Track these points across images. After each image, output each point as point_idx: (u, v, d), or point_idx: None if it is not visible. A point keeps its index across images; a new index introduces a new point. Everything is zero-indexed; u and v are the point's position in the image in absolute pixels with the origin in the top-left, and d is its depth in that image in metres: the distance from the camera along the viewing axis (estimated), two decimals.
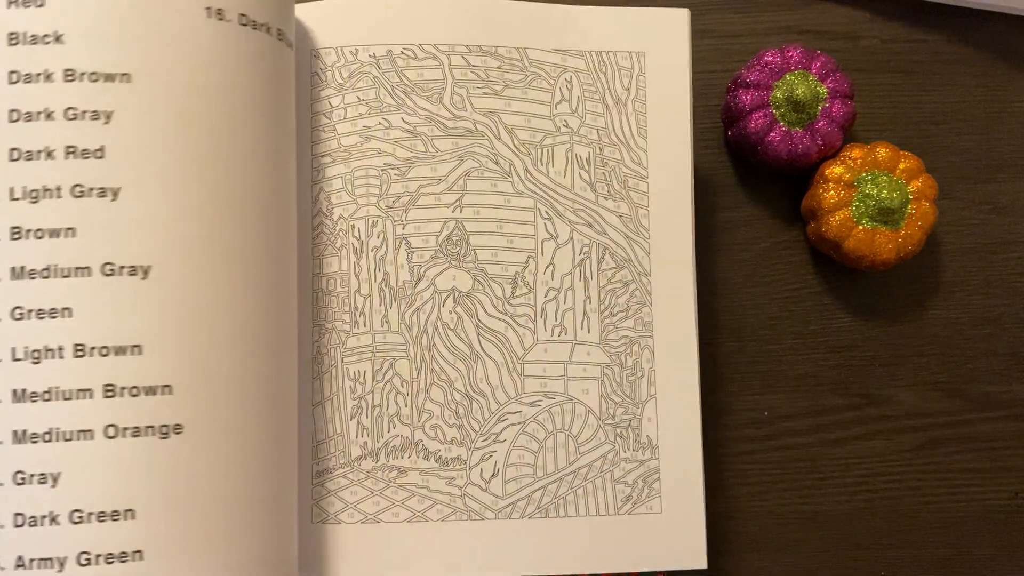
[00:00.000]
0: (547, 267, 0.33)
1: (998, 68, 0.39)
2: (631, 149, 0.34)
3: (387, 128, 0.33)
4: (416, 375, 0.33)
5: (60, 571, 0.25)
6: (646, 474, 0.33)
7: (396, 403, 0.32)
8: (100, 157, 0.26)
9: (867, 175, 0.35)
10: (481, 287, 0.33)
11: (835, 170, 0.35)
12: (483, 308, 0.33)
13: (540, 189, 0.33)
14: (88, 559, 0.26)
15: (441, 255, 0.33)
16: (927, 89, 0.38)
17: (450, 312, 0.33)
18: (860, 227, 0.35)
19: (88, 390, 0.26)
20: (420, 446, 0.32)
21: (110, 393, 0.26)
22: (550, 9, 0.34)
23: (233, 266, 0.28)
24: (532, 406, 0.33)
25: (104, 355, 0.26)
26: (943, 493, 0.37)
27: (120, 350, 0.26)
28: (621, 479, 0.33)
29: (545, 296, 0.33)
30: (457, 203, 0.33)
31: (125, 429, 0.26)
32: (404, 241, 0.33)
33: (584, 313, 0.33)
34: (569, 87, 0.34)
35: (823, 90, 0.35)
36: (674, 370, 0.33)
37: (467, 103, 0.33)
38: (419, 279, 0.33)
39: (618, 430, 0.33)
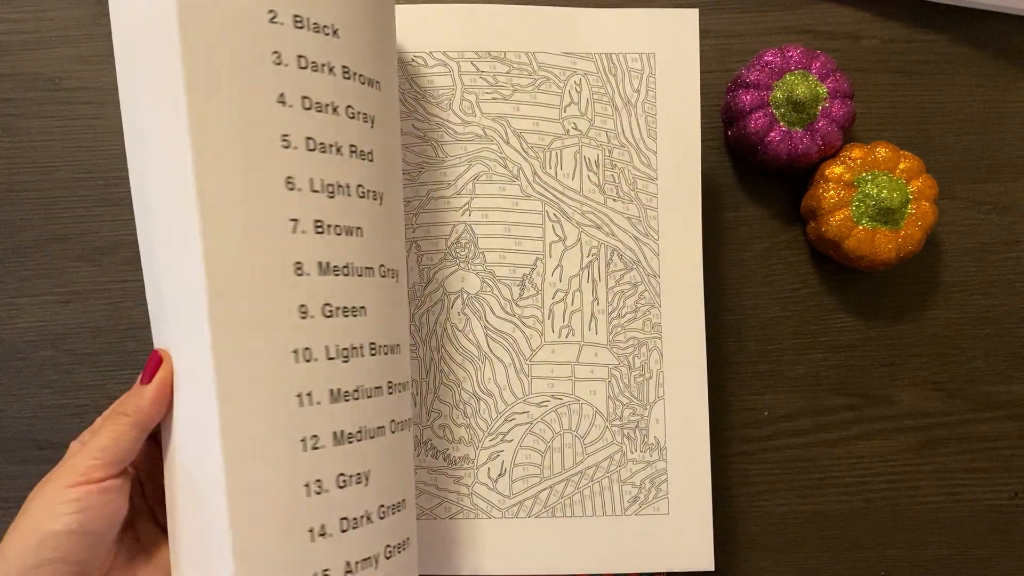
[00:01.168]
0: (555, 269, 0.33)
1: (998, 68, 0.39)
2: (640, 151, 0.34)
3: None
4: (425, 375, 0.33)
5: (376, 568, 0.26)
6: (654, 475, 0.33)
7: None
8: (371, 161, 0.26)
9: (867, 175, 0.35)
10: (489, 289, 0.33)
11: (835, 170, 0.35)
12: (491, 310, 0.33)
13: (548, 192, 0.33)
14: (390, 551, 0.26)
15: (450, 258, 0.33)
16: (927, 89, 0.38)
17: (459, 314, 0.33)
18: (860, 227, 0.35)
19: (380, 387, 0.26)
20: (429, 445, 0.32)
21: (391, 390, 0.27)
22: (558, 13, 0.34)
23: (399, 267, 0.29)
24: (539, 407, 0.33)
25: (386, 354, 0.27)
26: (943, 493, 0.37)
27: (392, 349, 0.27)
28: (628, 480, 0.33)
29: (553, 298, 0.33)
30: (466, 207, 0.33)
31: (400, 423, 0.27)
32: (414, 244, 0.33)
33: (592, 315, 0.33)
34: (578, 90, 0.34)
35: (823, 90, 0.35)
36: (682, 372, 0.33)
37: (476, 108, 0.33)
38: (428, 281, 0.33)
39: (625, 431, 0.33)
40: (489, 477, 0.32)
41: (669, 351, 0.33)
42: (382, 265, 0.26)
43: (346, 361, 0.25)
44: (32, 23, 0.36)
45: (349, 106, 0.25)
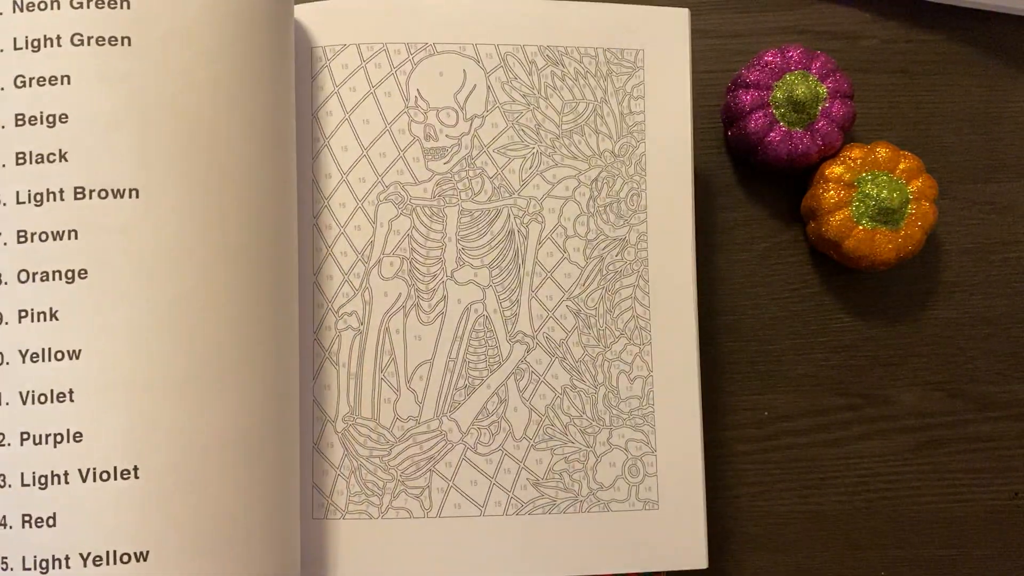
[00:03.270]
0: (545, 272, 0.33)
1: (998, 68, 0.39)
2: (631, 145, 0.34)
3: (380, 129, 0.33)
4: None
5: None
6: (646, 475, 0.33)
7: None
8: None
9: (867, 175, 0.35)
10: (483, 295, 0.33)
11: (835, 170, 0.35)
12: (479, 315, 0.33)
13: (536, 189, 0.33)
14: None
15: (442, 268, 0.33)
16: (927, 89, 0.38)
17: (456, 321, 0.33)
18: (860, 227, 0.35)
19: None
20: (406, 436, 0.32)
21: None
22: (549, 6, 0.34)
23: (236, 263, 0.28)
24: (532, 408, 0.33)
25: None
26: (943, 493, 0.37)
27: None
28: (621, 479, 0.33)
29: (547, 299, 0.33)
30: (448, 204, 0.33)
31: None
32: (409, 235, 0.33)
33: (584, 315, 0.33)
34: (564, 85, 0.34)
35: (823, 90, 0.35)
36: (674, 371, 0.33)
37: (463, 102, 0.33)
38: (435, 290, 0.33)
39: (617, 431, 0.33)
40: (479, 476, 0.32)
41: (659, 350, 0.33)
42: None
43: (36, 362, 0.26)
44: None
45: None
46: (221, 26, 0.28)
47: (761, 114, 0.35)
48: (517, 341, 0.33)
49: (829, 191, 0.35)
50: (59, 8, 0.26)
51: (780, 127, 0.35)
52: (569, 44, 0.34)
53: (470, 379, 0.33)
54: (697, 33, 0.36)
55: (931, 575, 0.37)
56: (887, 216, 0.34)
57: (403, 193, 0.33)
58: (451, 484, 0.32)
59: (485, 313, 0.33)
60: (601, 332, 0.33)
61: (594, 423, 0.33)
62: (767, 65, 0.35)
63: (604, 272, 0.33)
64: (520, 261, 0.33)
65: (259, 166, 0.29)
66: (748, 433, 0.37)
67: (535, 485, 0.32)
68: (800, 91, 0.34)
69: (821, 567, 0.37)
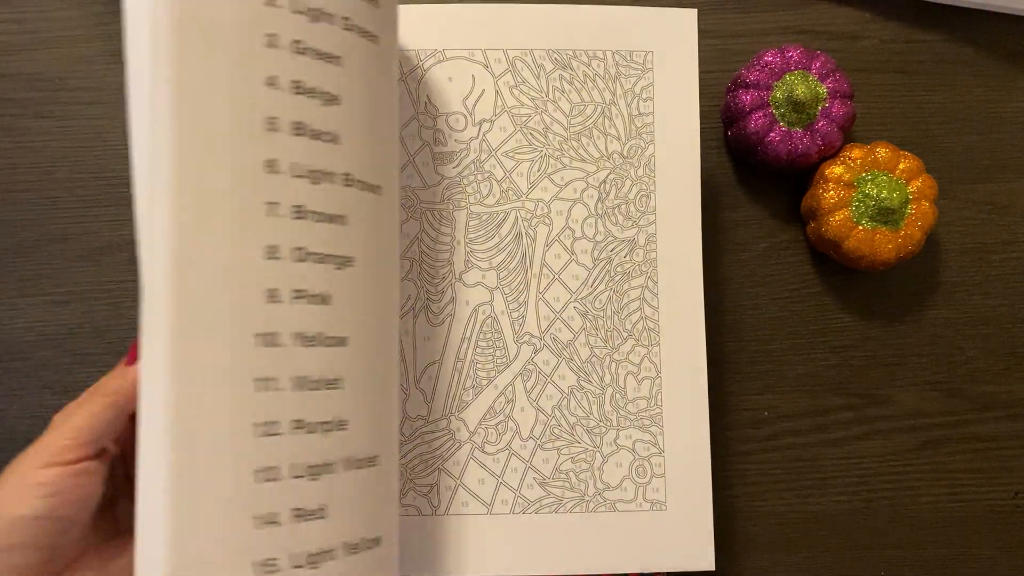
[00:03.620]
0: (552, 274, 0.33)
1: (998, 68, 0.39)
2: (641, 147, 0.34)
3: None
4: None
5: (335, 561, 0.25)
6: (654, 476, 0.33)
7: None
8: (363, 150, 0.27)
9: (867, 175, 0.35)
10: (491, 297, 0.33)
11: (835, 170, 0.35)
12: (487, 316, 0.33)
13: (544, 192, 0.33)
14: (353, 548, 0.26)
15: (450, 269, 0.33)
16: (927, 89, 0.38)
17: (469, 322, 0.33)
18: (860, 227, 0.35)
19: (340, 379, 0.26)
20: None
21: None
22: (557, 10, 0.34)
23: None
24: (539, 408, 0.33)
25: (343, 346, 0.27)
26: (943, 493, 0.37)
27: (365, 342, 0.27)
28: (628, 478, 0.33)
29: (554, 301, 0.33)
30: (457, 208, 0.33)
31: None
32: (418, 239, 0.33)
33: (591, 316, 0.33)
34: (575, 88, 0.34)
35: (823, 90, 0.35)
36: (682, 372, 0.33)
37: (472, 107, 0.33)
38: (444, 292, 0.33)
39: (625, 433, 0.33)
40: (486, 475, 0.32)
41: (668, 351, 0.33)
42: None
43: (311, 346, 0.25)
44: (33, 23, 0.36)
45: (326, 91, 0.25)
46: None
47: (761, 114, 0.35)
48: (524, 342, 0.33)
49: (829, 191, 0.35)
50: None
51: (780, 127, 0.35)
52: (577, 47, 0.34)
53: (478, 379, 0.33)
54: (698, 33, 0.36)
55: (931, 575, 0.37)
56: (887, 216, 0.34)
57: (413, 197, 0.33)
58: (459, 482, 0.32)
59: (493, 314, 0.33)
60: (609, 333, 0.33)
61: (601, 423, 0.33)
62: (767, 65, 0.35)
63: (612, 273, 0.33)
64: (528, 263, 0.33)
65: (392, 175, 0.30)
66: (748, 433, 0.37)
67: (542, 484, 0.32)
68: (800, 91, 0.34)
69: (821, 567, 0.37)
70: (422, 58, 0.33)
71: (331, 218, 0.25)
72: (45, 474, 0.23)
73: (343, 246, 0.26)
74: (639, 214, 0.34)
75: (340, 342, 0.25)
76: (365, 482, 0.26)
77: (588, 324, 0.33)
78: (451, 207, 0.33)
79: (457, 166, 0.33)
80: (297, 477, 0.24)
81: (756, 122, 0.35)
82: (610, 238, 0.33)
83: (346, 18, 0.26)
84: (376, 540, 0.26)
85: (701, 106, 0.34)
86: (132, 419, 0.25)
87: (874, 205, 0.34)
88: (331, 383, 0.25)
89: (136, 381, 0.24)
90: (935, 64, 0.38)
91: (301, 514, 0.24)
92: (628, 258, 0.33)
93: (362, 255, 0.26)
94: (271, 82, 0.24)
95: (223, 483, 0.23)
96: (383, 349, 0.27)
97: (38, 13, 0.36)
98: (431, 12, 0.33)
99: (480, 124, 0.33)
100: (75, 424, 0.24)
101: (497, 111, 0.33)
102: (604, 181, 0.34)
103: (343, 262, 0.26)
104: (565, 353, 0.33)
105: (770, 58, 0.35)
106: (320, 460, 0.25)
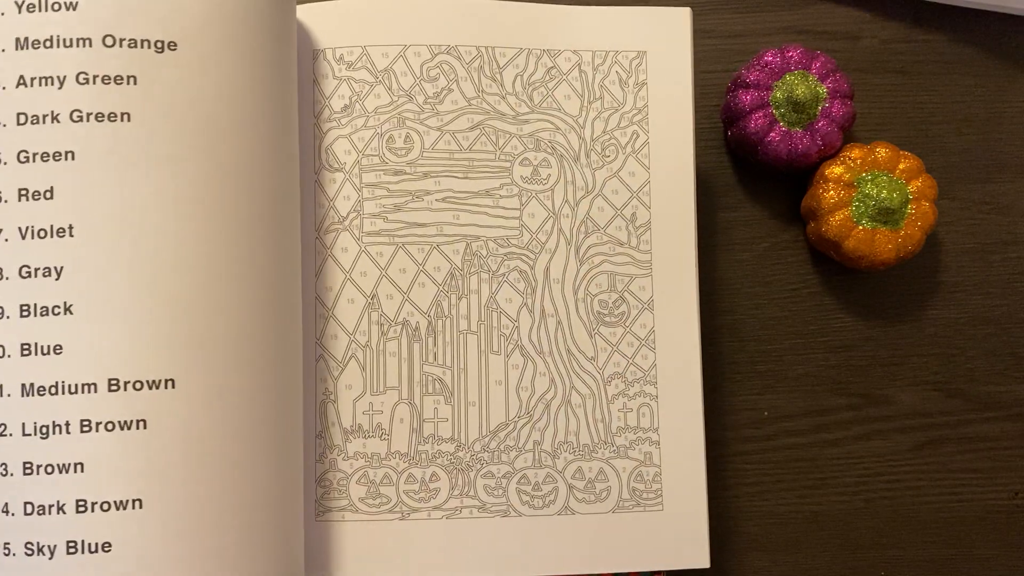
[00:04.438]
0: (545, 268, 0.33)
1: (998, 68, 0.39)
2: (633, 147, 0.34)
3: (385, 132, 0.33)
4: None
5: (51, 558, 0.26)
6: (648, 474, 0.33)
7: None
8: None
9: (867, 175, 0.35)
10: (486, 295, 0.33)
11: (835, 170, 0.35)
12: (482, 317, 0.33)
13: (539, 191, 0.33)
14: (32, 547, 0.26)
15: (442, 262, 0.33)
16: (927, 89, 0.38)
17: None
18: (860, 227, 0.35)
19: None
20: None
21: (114, 387, 0.26)
22: (550, 10, 0.34)
23: (238, 266, 0.28)
24: (536, 407, 0.33)
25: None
26: (943, 493, 0.37)
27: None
28: (621, 476, 0.33)
29: (548, 298, 0.33)
30: (451, 206, 0.33)
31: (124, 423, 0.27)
32: (401, 247, 0.33)
33: (587, 314, 0.33)
34: (568, 88, 0.34)
35: (823, 90, 0.35)
36: (676, 371, 0.33)
37: (466, 105, 0.33)
38: (433, 294, 0.33)
39: (620, 431, 0.33)
40: (484, 475, 0.32)
41: (662, 350, 0.33)
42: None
43: (44, 355, 0.26)
44: None
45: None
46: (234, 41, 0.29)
47: (761, 114, 0.35)
48: (519, 346, 0.33)
49: (829, 191, 0.35)
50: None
51: (780, 127, 0.35)
52: (570, 48, 0.34)
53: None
54: (697, 33, 0.36)
55: (931, 575, 0.37)
56: (887, 216, 0.34)
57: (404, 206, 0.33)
58: (455, 484, 0.32)
59: (491, 309, 0.33)
60: (604, 335, 0.33)
61: (598, 425, 0.33)
62: (767, 65, 0.35)
63: (607, 275, 0.33)
64: (522, 287, 0.33)
65: (265, 172, 0.29)
66: (748, 433, 0.37)
67: (539, 485, 0.32)
68: (800, 91, 0.34)
69: (821, 567, 0.37)
70: (407, 55, 0.33)
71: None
72: None
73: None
74: (633, 213, 0.33)
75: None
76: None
77: (584, 326, 0.33)
78: (434, 210, 0.33)
79: (444, 164, 0.33)
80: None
81: (756, 122, 0.35)
82: (604, 239, 0.33)
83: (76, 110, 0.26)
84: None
85: (701, 106, 0.34)
86: None
87: (874, 205, 0.34)
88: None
89: None
90: (935, 64, 0.38)
91: (31, 510, 0.26)
92: (623, 257, 0.33)
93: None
94: None
95: None
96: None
97: None
98: (417, 9, 0.33)
99: (473, 124, 0.33)
100: None
101: (486, 111, 0.33)
102: (597, 182, 0.34)
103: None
104: (560, 355, 0.33)
105: (770, 58, 0.35)
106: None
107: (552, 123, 0.34)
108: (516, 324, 0.33)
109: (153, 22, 0.27)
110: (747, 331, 0.37)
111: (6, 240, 0.26)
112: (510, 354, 0.33)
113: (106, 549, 0.26)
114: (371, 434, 0.32)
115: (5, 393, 0.26)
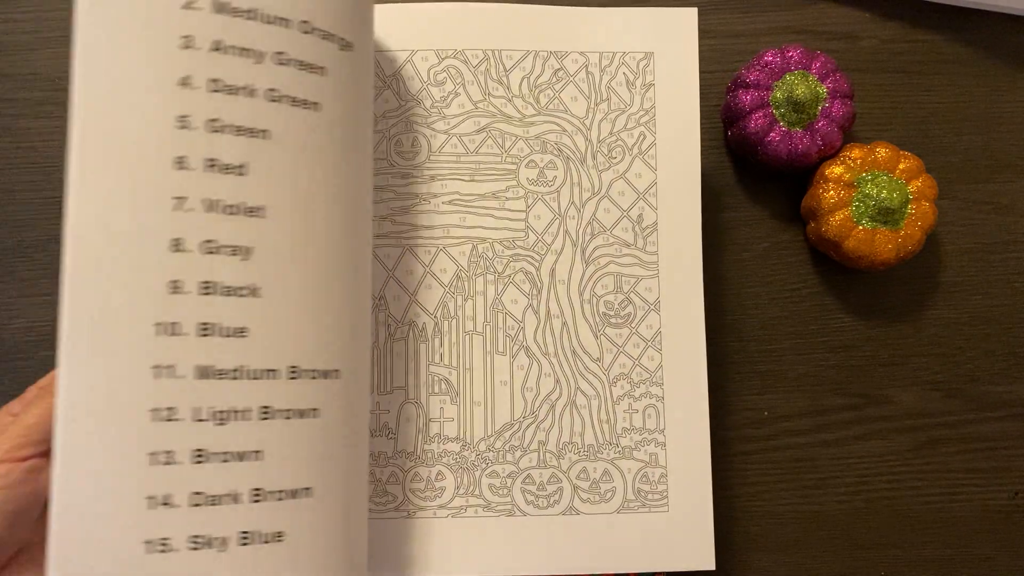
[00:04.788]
0: (551, 270, 0.33)
1: (998, 68, 0.39)
2: (640, 148, 0.34)
3: (393, 136, 0.33)
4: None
5: (224, 551, 0.25)
6: (654, 475, 0.33)
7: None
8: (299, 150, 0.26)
9: (867, 175, 0.35)
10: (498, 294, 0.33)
11: (835, 170, 0.35)
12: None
13: (545, 192, 0.33)
14: (247, 539, 0.25)
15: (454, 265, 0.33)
16: (927, 89, 0.38)
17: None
18: (860, 227, 0.35)
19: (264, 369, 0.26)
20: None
21: (293, 375, 0.26)
22: (556, 12, 0.34)
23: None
24: (541, 408, 0.33)
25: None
26: (943, 493, 0.37)
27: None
28: (627, 477, 0.33)
29: (554, 299, 0.33)
30: (458, 208, 0.33)
31: (297, 411, 0.26)
32: (408, 249, 0.33)
33: (593, 315, 0.33)
34: (576, 89, 0.34)
35: (823, 90, 0.35)
36: (683, 371, 0.33)
37: (473, 108, 0.33)
38: (439, 295, 0.33)
39: (625, 431, 0.33)
40: (487, 475, 0.32)
41: (669, 351, 0.33)
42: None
43: (226, 337, 0.24)
44: (32, 23, 0.36)
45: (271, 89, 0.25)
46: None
47: (761, 114, 0.35)
48: (525, 347, 0.33)
49: (829, 191, 0.35)
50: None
51: (780, 127, 0.35)
52: (576, 49, 0.34)
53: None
54: (698, 33, 0.36)
55: (931, 575, 0.37)
56: (887, 216, 0.34)
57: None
58: (460, 484, 0.32)
59: (497, 310, 0.33)
60: (610, 336, 0.33)
61: (603, 425, 0.33)
62: (767, 65, 0.35)
63: (613, 276, 0.33)
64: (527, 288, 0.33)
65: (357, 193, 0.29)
66: (748, 433, 0.37)
67: (543, 485, 0.32)
68: (800, 91, 0.34)
69: (821, 567, 0.37)
70: (415, 59, 0.33)
71: (246, 210, 0.25)
72: None
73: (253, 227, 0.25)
74: (639, 214, 0.34)
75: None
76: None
77: (593, 329, 0.33)
78: (441, 212, 0.33)
79: (453, 166, 0.33)
80: (197, 462, 0.24)
81: (756, 122, 0.35)
82: (611, 239, 0.33)
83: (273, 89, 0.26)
84: (279, 535, 0.26)
85: (701, 106, 0.34)
86: None
87: (874, 205, 0.34)
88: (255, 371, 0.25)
89: None
90: (935, 64, 0.38)
91: (201, 501, 0.24)
92: (630, 259, 0.33)
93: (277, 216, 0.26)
94: (184, 81, 0.24)
95: (113, 467, 0.23)
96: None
97: (37, 13, 0.36)
98: (422, 11, 0.33)
99: (481, 127, 0.33)
100: (27, 422, 0.24)
101: (497, 113, 0.33)
102: (604, 183, 0.34)
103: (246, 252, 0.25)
104: (562, 352, 0.33)
105: (770, 58, 0.35)
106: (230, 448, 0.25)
107: (559, 125, 0.34)
108: (522, 325, 0.33)
109: (342, 20, 0.27)
110: (747, 331, 0.37)
111: (190, 209, 0.24)
112: (516, 355, 0.33)
113: (279, 539, 0.25)
114: (377, 433, 0.32)
115: (178, 374, 0.24)
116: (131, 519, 0.23)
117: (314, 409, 0.26)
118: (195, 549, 0.24)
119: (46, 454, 0.25)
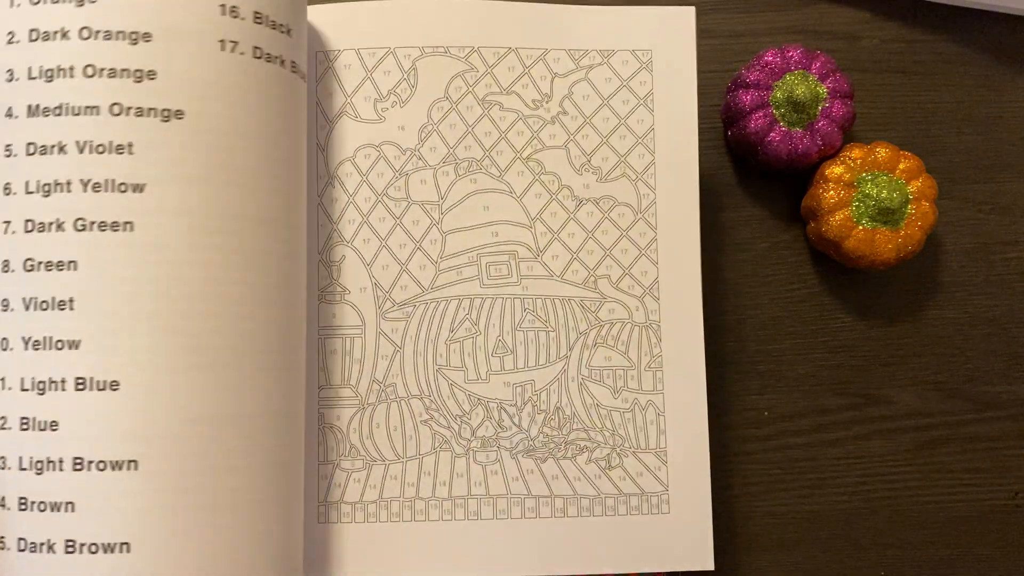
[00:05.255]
0: (549, 282, 0.33)
1: (998, 68, 0.39)
2: (639, 146, 0.34)
3: (387, 135, 0.33)
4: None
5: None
6: (653, 476, 0.33)
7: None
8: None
9: (867, 175, 0.35)
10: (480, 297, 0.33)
11: (835, 170, 0.35)
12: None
13: (546, 189, 0.33)
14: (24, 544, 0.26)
15: (448, 268, 0.33)
16: (927, 89, 0.38)
17: (460, 321, 0.33)
18: (860, 227, 0.35)
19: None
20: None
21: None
22: (556, 10, 0.34)
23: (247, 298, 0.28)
24: (538, 408, 0.33)
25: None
26: (943, 493, 0.37)
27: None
28: (631, 481, 0.33)
29: (555, 304, 0.33)
30: (455, 209, 0.33)
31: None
32: (418, 249, 0.33)
33: (593, 315, 0.33)
34: (572, 87, 0.34)
35: (823, 90, 0.35)
36: (681, 371, 0.33)
37: (476, 106, 0.33)
38: (429, 290, 0.33)
39: (624, 431, 0.33)
40: (487, 478, 0.32)
41: (667, 351, 0.33)
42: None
43: (36, 350, 0.26)
44: None
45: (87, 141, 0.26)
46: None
47: (761, 114, 0.35)
48: (530, 353, 0.33)
49: (829, 191, 0.35)
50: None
51: (780, 127, 0.35)
52: (572, 47, 0.34)
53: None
54: (697, 33, 0.36)
55: (931, 575, 0.37)
56: (887, 216, 0.34)
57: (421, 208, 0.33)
58: (466, 487, 0.32)
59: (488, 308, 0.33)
60: (611, 342, 0.33)
61: (603, 427, 0.33)
62: (767, 65, 0.35)
63: (611, 279, 0.33)
64: (518, 276, 0.33)
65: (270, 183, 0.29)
66: (748, 433, 0.37)
67: (544, 487, 0.32)
68: (800, 91, 0.34)
69: (821, 567, 0.37)
70: (405, 57, 0.33)
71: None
72: None
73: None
74: (637, 210, 0.34)
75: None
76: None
77: (588, 327, 0.33)
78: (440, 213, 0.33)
79: (451, 165, 0.33)
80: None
81: (756, 122, 0.35)
82: (609, 235, 0.33)
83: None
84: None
85: (701, 106, 0.34)
86: None
87: (874, 205, 0.34)
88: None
89: None
90: (935, 64, 0.38)
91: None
92: (624, 257, 0.33)
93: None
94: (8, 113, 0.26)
95: None
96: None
97: None
98: (420, 9, 0.33)
99: (474, 122, 0.33)
100: None
101: (496, 113, 0.33)
102: (601, 182, 0.34)
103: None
104: (565, 360, 0.33)
105: (770, 58, 0.35)
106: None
107: (555, 122, 0.34)
108: (520, 336, 0.33)
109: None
110: (747, 331, 0.37)
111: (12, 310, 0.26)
112: (518, 359, 0.33)
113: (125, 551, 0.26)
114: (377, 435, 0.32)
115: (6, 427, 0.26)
116: None
117: (131, 461, 0.26)
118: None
119: None
